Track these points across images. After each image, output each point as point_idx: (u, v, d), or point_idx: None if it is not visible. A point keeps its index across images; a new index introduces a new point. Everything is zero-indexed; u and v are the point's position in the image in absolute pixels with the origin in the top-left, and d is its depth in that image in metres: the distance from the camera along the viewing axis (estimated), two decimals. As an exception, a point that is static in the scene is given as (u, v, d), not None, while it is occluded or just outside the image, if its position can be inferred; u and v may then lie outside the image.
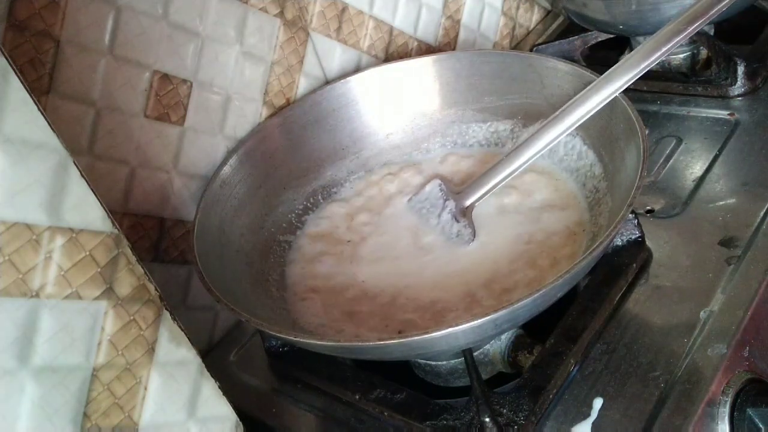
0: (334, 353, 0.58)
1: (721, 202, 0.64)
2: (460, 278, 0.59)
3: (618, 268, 0.59)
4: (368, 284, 0.61)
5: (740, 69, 0.74)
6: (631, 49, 0.87)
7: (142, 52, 0.59)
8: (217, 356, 0.66)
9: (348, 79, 0.73)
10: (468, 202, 0.64)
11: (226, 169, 0.65)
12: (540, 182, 0.66)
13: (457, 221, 0.63)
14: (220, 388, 0.49)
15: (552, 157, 0.67)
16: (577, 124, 0.61)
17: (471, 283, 0.59)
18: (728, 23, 0.81)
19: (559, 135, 0.61)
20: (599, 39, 0.90)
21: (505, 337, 0.57)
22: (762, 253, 0.58)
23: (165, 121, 0.62)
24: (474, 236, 0.62)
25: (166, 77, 0.61)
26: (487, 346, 0.57)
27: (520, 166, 0.62)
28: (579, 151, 0.64)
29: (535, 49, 0.91)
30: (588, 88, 0.60)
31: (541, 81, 0.67)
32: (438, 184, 0.66)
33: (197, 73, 0.64)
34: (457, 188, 0.67)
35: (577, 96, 0.61)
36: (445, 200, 0.65)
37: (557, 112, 0.61)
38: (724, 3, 0.58)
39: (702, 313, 0.55)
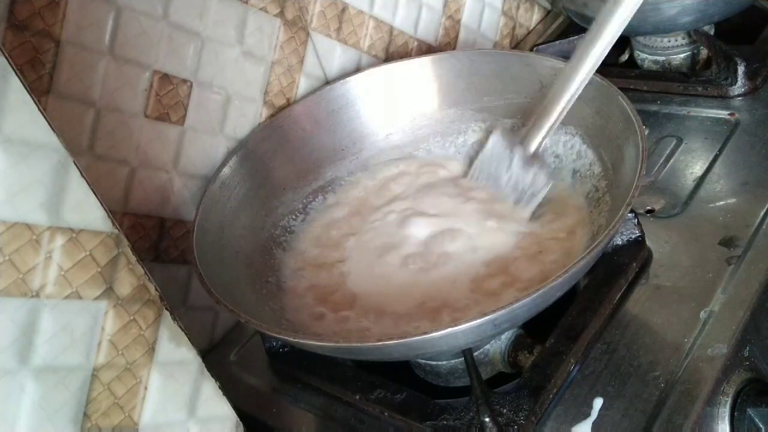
0: (333, 354, 0.57)
1: (721, 202, 0.64)
2: (463, 276, 0.59)
3: (618, 267, 0.59)
4: (368, 285, 0.61)
5: (740, 69, 0.74)
6: (632, 49, 0.88)
7: (142, 52, 0.59)
8: (217, 356, 0.66)
9: (348, 79, 0.73)
10: (534, 145, 0.61)
11: (226, 169, 0.65)
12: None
13: (530, 167, 0.60)
14: (220, 388, 0.49)
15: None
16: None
17: (473, 282, 0.59)
18: (728, 23, 0.82)
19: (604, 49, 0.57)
20: (599, 39, 0.90)
21: (505, 337, 0.57)
22: (762, 253, 0.58)
23: (165, 121, 0.62)
24: (550, 179, 0.60)
25: (166, 77, 0.61)
26: (487, 346, 0.57)
27: (574, 94, 0.59)
28: (578, 150, 0.64)
29: (535, 49, 0.91)
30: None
31: (540, 81, 0.67)
32: (499, 135, 0.63)
33: (197, 73, 0.64)
34: (516, 137, 0.63)
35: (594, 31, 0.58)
36: (511, 150, 0.62)
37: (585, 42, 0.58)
38: None
39: (702, 313, 0.55)
